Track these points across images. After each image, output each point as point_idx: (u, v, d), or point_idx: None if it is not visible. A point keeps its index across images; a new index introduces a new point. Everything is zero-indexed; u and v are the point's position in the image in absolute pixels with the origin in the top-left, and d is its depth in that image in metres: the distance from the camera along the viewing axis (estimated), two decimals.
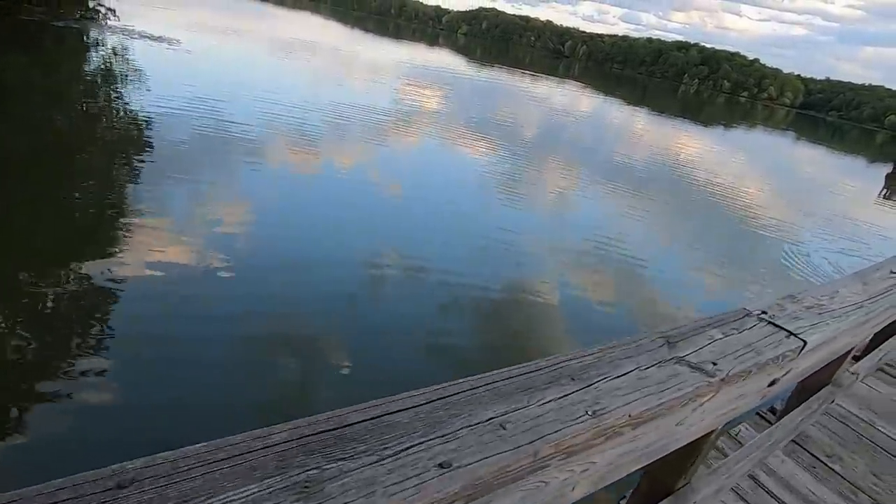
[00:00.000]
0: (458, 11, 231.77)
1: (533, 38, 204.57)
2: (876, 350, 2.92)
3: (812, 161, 31.94)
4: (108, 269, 4.23)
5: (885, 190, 22.90)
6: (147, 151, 7.13)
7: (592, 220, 9.08)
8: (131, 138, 7.76)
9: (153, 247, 4.72)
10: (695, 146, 23.93)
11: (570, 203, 9.82)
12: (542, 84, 41.60)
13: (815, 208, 14.94)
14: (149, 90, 10.43)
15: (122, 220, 5.14)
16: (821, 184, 21.63)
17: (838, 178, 25.45)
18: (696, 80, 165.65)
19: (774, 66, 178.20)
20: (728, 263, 8.04)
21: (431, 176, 9.86)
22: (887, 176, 27.73)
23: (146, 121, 8.44)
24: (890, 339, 3.00)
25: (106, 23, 17.83)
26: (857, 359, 3.37)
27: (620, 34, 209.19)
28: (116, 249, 4.56)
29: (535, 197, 9.60)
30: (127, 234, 4.86)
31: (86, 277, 4.10)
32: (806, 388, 2.01)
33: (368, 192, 7.92)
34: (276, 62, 20.52)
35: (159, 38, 17.04)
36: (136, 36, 16.94)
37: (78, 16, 17.36)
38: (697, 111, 55.56)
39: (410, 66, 31.36)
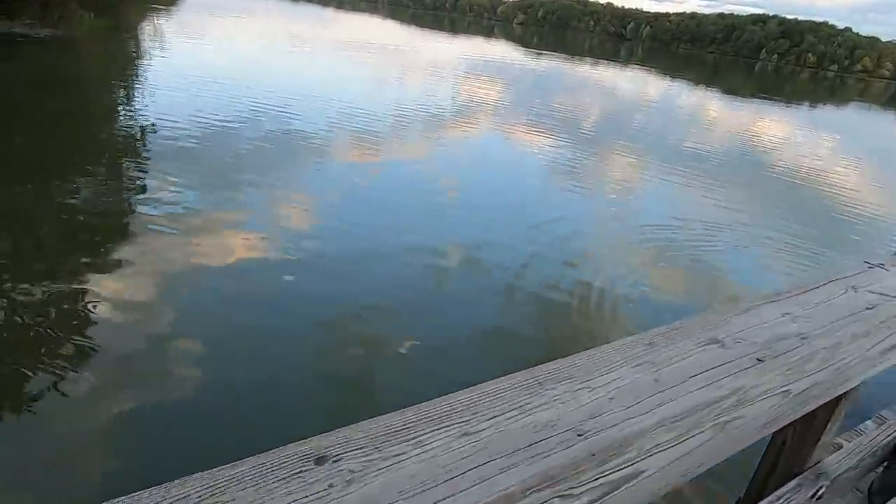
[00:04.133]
0: (513, 1, 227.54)
1: (592, 23, 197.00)
2: None
3: None
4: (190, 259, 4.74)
5: None
6: (229, 147, 7.77)
7: (661, 211, 8.79)
8: (227, 139, 8.44)
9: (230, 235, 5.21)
10: (774, 128, 22.20)
11: (637, 194, 9.55)
12: (602, 70, 40.14)
13: None
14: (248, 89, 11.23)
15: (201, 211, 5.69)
16: None
17: None
18: (776, 55, 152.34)
19: (871, 35, 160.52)
20: (812, 260, 7.53)
21: (496, 165, 9.97)
22: None
23: (233, 122, 9.15)
24: None
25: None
26: None
27: (689, 12, 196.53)
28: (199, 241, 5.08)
29: (600, 187, 9.44)
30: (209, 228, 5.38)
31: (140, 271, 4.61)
32: None
33: (436, 184, 8.17)
34: (342, 64, 21.30)
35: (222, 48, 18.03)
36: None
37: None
38: (777, 89, 51.21)
39: (469, 60, 31.37)
